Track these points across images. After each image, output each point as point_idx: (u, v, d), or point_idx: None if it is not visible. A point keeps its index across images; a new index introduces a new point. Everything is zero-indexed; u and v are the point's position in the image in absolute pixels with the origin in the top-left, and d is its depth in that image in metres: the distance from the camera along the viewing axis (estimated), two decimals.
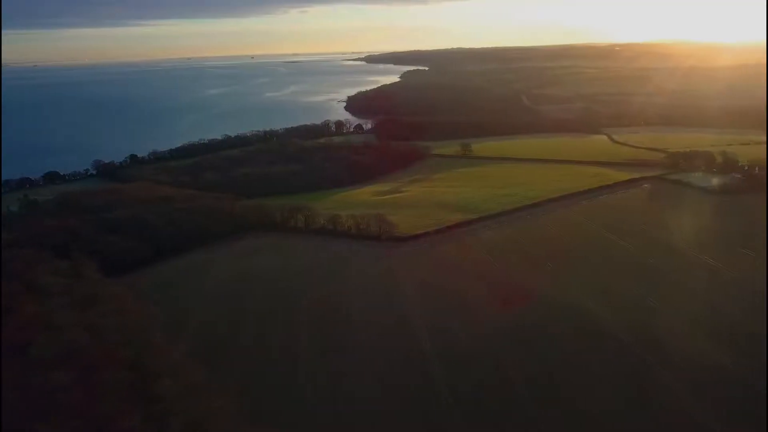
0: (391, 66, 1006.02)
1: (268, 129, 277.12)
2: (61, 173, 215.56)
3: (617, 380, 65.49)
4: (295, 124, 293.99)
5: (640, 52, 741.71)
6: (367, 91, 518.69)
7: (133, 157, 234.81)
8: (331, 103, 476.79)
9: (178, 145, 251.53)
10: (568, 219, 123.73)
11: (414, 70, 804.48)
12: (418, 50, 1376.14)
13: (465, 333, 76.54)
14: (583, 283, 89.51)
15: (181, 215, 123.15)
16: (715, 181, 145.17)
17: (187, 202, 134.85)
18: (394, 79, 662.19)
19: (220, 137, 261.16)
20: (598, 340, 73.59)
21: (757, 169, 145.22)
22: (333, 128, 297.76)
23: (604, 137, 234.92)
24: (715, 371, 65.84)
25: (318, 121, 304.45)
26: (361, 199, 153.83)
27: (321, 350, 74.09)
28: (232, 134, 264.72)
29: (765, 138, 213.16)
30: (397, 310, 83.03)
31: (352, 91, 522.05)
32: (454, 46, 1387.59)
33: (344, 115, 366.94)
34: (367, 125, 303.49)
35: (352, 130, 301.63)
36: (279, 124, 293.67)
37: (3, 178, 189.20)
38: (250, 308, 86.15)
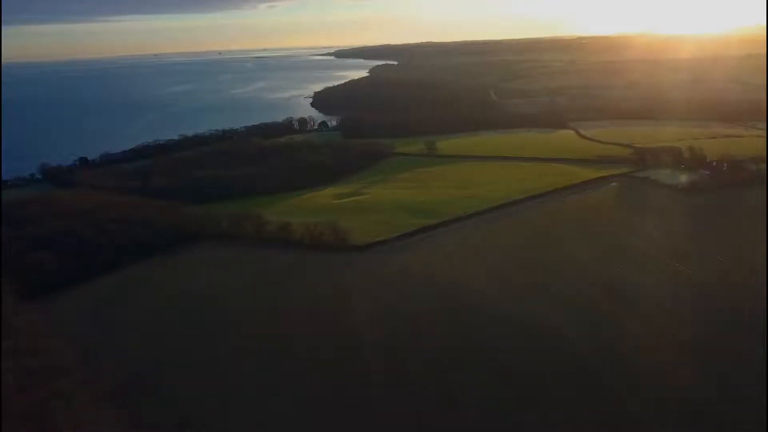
0: (360, 61, 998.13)
1: (227, 128, 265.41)
2: (3, 178, 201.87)
3: (573, 396, 61.06)
4: (257, 122, 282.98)
5: (606, 45, 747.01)
6: (334, 86, 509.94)
7: (82, 159, 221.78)
8: (297, 100, 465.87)
9: (133, 146, 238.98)
10: (533, 222, 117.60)
11: (383, 64, 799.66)
12: (388, 45, 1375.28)
13: (415, 354, 69.71)
14: (543, 294, 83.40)
15: (118, 227, 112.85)
16: (684, 178, 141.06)
17: (126, 210, 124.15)
18: (363, 74, 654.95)
19: (176, 137, 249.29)
20: (556, 357, 68.22)
21: (725, 165, 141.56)
22: (296, 126, 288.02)
23: (571, 132, 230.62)
24: (678, 391, 61.10)
25: (281, 119, 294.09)
26: (320, 203, 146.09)
27: (260, 389, 65.67)
28: (190, 134, 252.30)
29: (730, 131, 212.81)
30: (349, 336, 75.08)
31: (319, 87, 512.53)
32: (424, 40, 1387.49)
33: (310, 112, 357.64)
34: (332, 122, 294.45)
35: (316, 127, 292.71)
36: (241, 122, 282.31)
37: None
38: (183, 340, 76.36)
